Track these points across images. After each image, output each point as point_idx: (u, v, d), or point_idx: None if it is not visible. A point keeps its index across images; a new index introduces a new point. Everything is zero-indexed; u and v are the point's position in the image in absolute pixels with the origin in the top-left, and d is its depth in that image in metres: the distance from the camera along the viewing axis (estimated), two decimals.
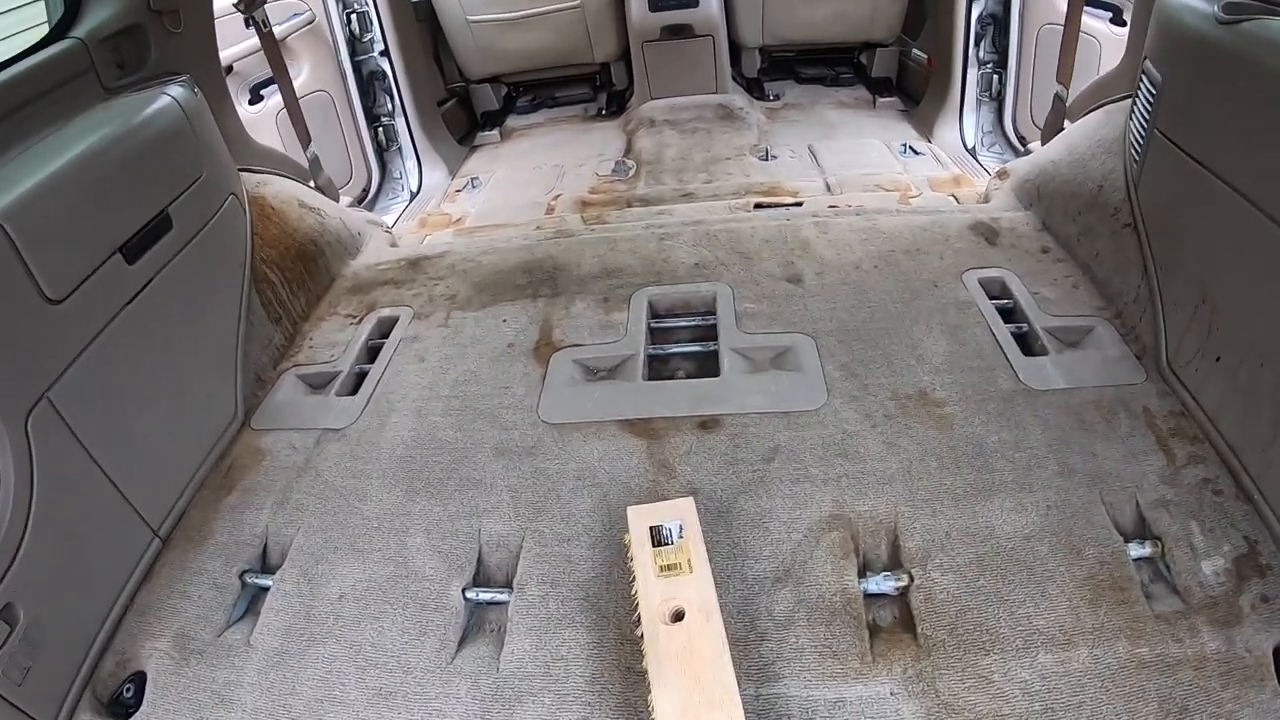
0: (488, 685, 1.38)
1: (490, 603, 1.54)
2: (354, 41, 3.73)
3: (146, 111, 1.88)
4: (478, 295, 2.37)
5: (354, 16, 3.70)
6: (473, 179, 3.85)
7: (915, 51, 4.40)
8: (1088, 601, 1.47)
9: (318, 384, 2.13)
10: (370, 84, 3.81)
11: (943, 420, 1.79)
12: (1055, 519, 1.60)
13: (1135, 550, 1.56)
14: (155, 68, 2.09)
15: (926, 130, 4.05)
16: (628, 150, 3.83)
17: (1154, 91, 1.91)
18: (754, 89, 4.42)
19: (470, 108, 4.45)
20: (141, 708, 1.46)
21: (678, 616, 1.32)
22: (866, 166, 3.54)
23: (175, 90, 2.01)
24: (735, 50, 4.34)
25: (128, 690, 1.50)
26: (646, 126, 3.89)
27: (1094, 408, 1.81)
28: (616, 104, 4.42)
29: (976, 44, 3.83)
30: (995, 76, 3.84)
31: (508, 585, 1.54)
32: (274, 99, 3.27)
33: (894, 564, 1.55)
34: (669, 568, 1.39)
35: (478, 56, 4.14)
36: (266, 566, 1.68)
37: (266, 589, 1.60)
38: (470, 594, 1.54)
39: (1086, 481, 1.66)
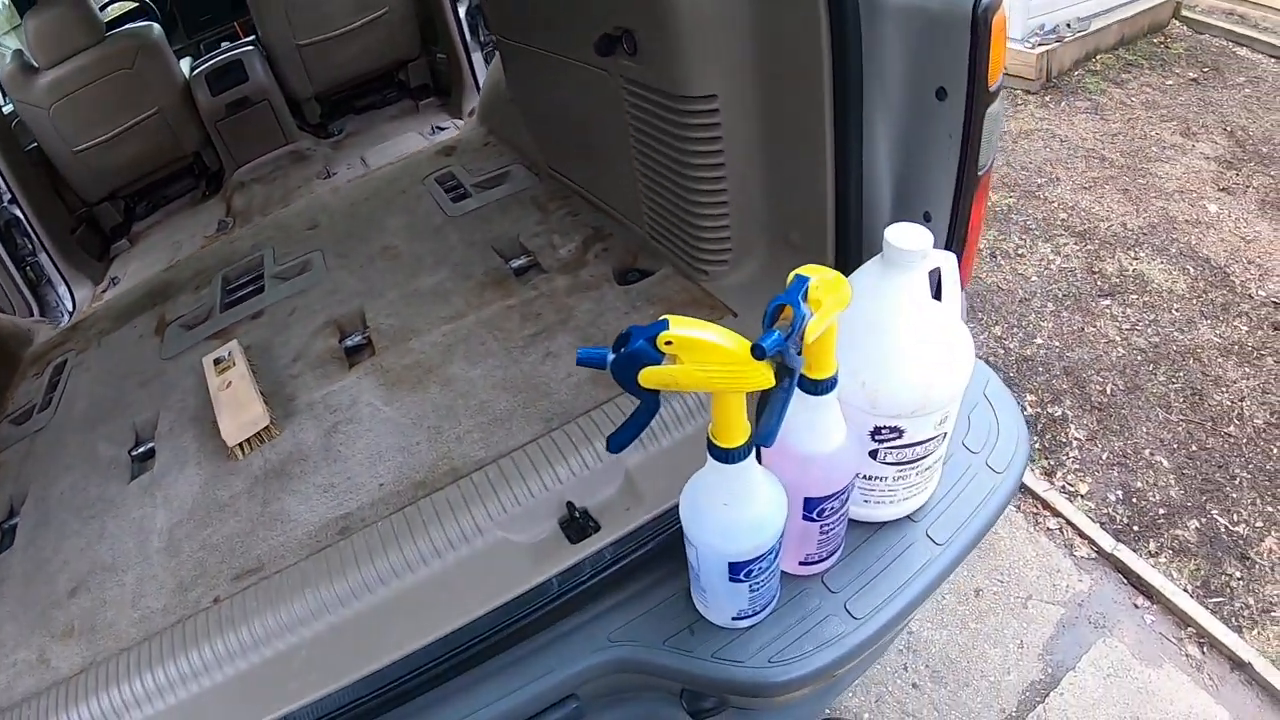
0: (146, 480, 2.16)
1: (146, 453, 2.32)
2: None
3: None
4: (115, 322, 3.12)
5: None
6: (114, 278, 4.30)
7: (439, 55, 5.03)
8: (475, 294, 2.34)
9: (22, 419, 2.79)
10: (9, 232, 4.14)
11: (395, 256, 2.76)
12: (459, 267, 2.50)
13: (514, 263, 2.43)
14: None
15: (460, 114, 4.89)
16: (228, 211, 4.39)
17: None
18: (320, 132, 5.06)
19: (99, 227, 4.75)
20: None
21: (227, 384, 2.26)
22: (402, 152, 4.40)
23: None
24: (295, 105, 4.90)
25: None
26: (239, 189, 4.50)
27: (497, 209, 2.81)
28: (215, 183, 4.86)
29: (473, 34, 4.52)
30: (497, 53, 4.65)
31: (152, 438, 2.36)
32: None
33: (362, 329, 2.46)
34: (224, 369, 2.33)
35: (90, 181, 4.51)
36: (13, 514, 2.33)
37: (16, 522, 2.27)
38: (133, 452, 2.33)
39: (480, 246, 2.58)
